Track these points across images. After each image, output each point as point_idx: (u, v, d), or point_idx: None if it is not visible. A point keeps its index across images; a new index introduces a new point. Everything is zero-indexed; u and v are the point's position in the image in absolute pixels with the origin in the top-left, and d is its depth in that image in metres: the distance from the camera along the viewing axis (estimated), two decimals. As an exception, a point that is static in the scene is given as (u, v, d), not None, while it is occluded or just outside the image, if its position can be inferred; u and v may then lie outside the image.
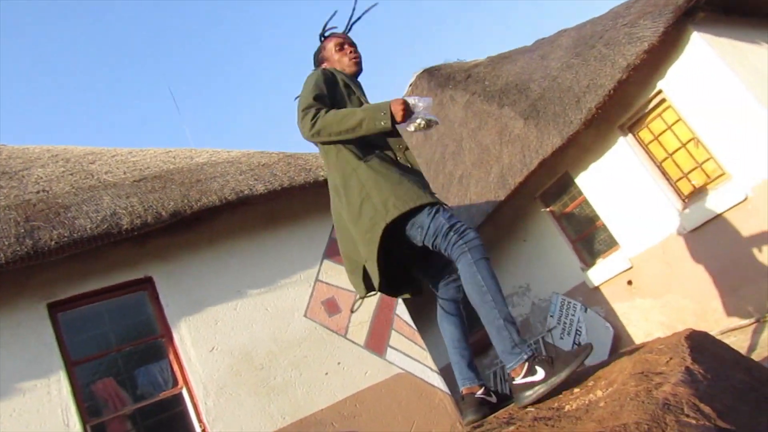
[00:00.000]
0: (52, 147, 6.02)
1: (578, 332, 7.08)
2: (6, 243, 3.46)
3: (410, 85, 10.73)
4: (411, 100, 1.95)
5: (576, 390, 2.22)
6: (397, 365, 4.58)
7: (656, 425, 1.24)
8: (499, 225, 7.64)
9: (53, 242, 3.53)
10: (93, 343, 3.76)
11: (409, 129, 2.02)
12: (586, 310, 6.99)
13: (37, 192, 4.41)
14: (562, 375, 1.85)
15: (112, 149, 5.76)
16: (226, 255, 4.37)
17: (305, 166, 4.90)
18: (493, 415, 2.04)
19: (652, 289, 6.29)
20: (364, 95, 2.24)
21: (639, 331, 6.46)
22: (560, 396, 2.25)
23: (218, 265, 4.30)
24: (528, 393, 1.86)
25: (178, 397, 3.79)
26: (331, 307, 4.58)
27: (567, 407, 1.88)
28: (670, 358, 1.92)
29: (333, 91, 2.12)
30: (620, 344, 6.58)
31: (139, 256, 4.06)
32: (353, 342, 4.52)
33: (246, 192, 4.35)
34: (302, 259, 4.68)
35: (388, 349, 4.62)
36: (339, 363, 4.37)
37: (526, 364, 1.86)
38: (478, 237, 1.94)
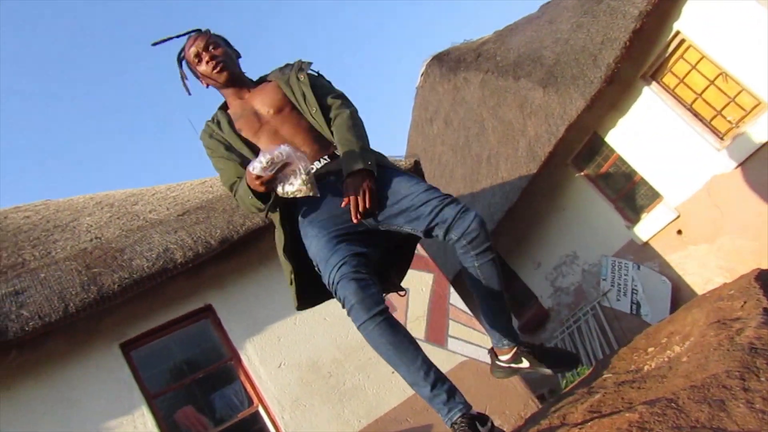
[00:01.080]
0: (94, 195, 6.24)
1: (634, 291, 6.98)
2: (73, 292, 3.62)
3: (422, 75, 10.71)
4: (265, 157, 1.55)
5: (650, 349, 2.22)
6: (460, 353, 4.61)
7: (748, 371, 1.23)
8: (535, 198, 7.58)
9: (116, 285, 3.69)
10: (167, 375, 3.91)
11: (290, 193, 1.61)
12: (639, 268, 6.88)
13: (91, 240, 4.60)
14: (542, 371, 1.92)
15: (151, 188, 5.95)
16: (277, 273, 4.44)
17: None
18: (574, 388, 2.05)
19: (704, 234, 6.15)
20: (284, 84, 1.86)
21: (698, 280, 6.32)
22: (635, 358, 2.25)
23: (271, 283, 4.40)
24: (501, 374, 1.99)
25: (256, 416, 3.91)
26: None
27: (646, 367, 1.88)
28: (745, 302, 1.90)
29: (225, 152, 1.83)
30: (680, 296, 6.45)
31: (196, 286, 4.19)
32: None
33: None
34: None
35: (449, 339, 4.66)
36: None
37: (515, 350, 1.88)
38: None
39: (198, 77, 1.91)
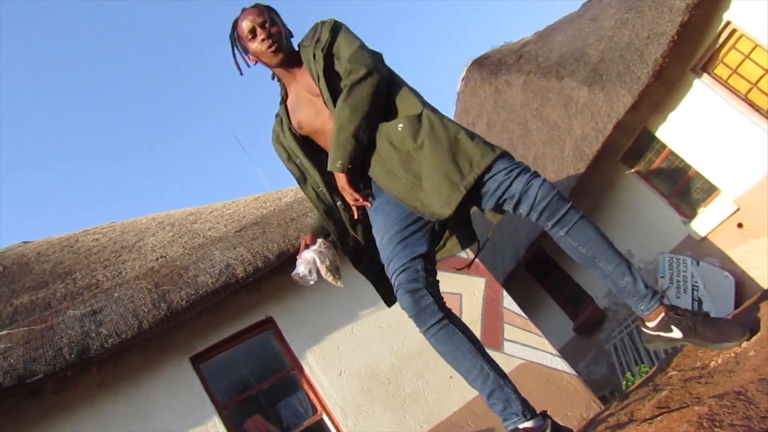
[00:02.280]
0: (155, 215, 6.57)
1: (695, 287, 6.77)
2: (145, 309, 3.85)
3: (462, 80, 10.74)
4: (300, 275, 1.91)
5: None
6: (518, 356, 4.61)
7: (818, 362, 1.24)
8: (584, 198, 7.47)
9: (183, 301, 3.89)
10: (235, 386, 4.08)
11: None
12: (698, 264, 6.67)
13: (157, 259, 4.85)
14: (701, 341, 1.64)
15: (208, 206, 6.21)
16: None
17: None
18: (638, 387, 2.05)
19: (767, 226, 5.92)
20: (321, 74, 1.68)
21: (763, 273, 6.08)
22: (700, 354, 2.23)
23: (328, 294, 4.51)
24: (655, 344, 1.70)
25: (320, 424, 4.02)
26: (441, 311, 4.69)
27: (713, 363, 1.87)
28: (813, 295, 1.87)
29: (288, 163, 1.84)
30: (745, 291, 6.22)
31: (257, 299, 4.37)
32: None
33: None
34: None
35: (505, 342, 4.66)
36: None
37: (663, 314, 1.61)
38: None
39: (246, 53, 1.80)
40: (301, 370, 4.18)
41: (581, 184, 7.09)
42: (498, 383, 1.61)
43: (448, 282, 4.97)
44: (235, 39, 1.81)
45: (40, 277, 5.38)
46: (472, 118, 10.73)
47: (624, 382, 4.80)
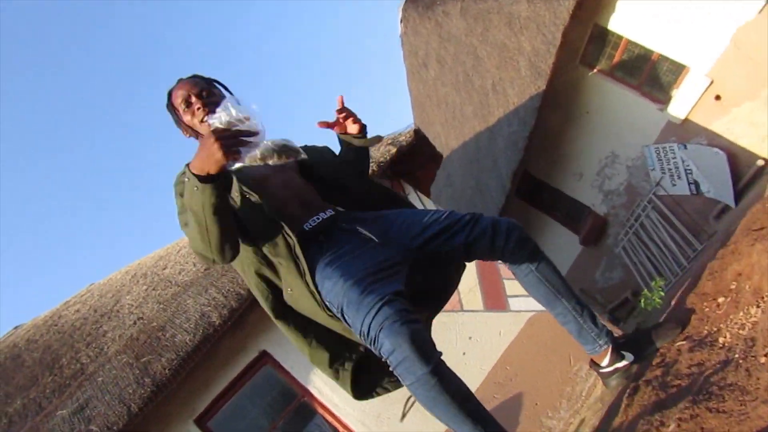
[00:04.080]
0: (128, 268, 6.28)
1: (688, 171, 6.51)
2: (130, 391, 3.62)
3: (401, 22, 10.16)
4: (222, 114, 1.31)
5: (720, 300, 1.95)
6: (525, 310, 4.40)
7: None
8: (554, 112, 7.12)
9: (167, 370, 3.66)
10: (250, 431, 3.90)
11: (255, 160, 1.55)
12: (686, 147, 6.38)
13: (134, 323, 4.60)
14: (649, 354, 1.78)
15: (175, 244, 5.91)
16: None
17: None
18: (648, 343, 1.82)
19: (744, 92, 5.59)
20: None
21: (753, 141, 5.79)
22: (707, 311, 1.98)
23: (315, 307, 4.30)
24: (616, 382, 1.76)
25: (346, 443, 3.87)
26: (436, 289, 4.45)
27: (721, 339, 1.62)
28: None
29: None
30: (738, 163, 5.95)
31: (245, 337, 4.13)
32: (473, 311, 4.39)
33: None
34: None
35: (509, 300, 4.45)
36: (470, 337, 4.27)
37: (610, 347, 1.71)
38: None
39: (180, 126, 1.65)
40: (311, 395, 3.98)
41: (546, 99, 6.72)
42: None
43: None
44: (172, 110, 1.66)
45: (31, 371, 5.16)
46: (422, 58, 10.21)
47: (642, 301, 4.61)
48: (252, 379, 4.06)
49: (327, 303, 1.48)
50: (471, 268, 4.57)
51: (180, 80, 1.66)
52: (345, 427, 3.89)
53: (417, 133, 4.85)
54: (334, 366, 1.66)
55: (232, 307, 3.91)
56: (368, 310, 1.31)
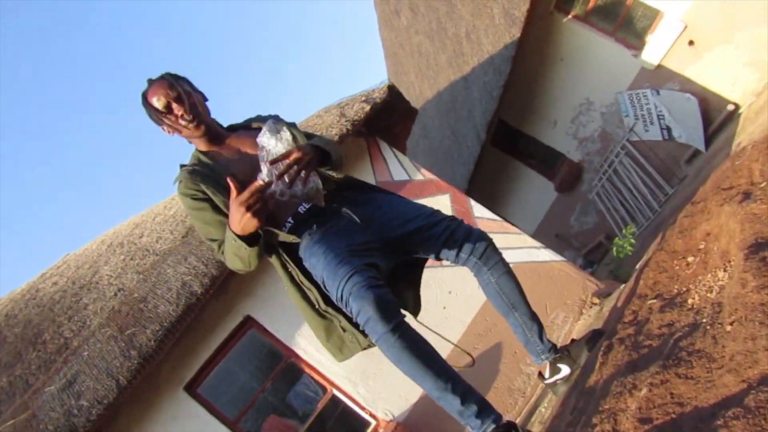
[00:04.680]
0: (104, 236, 6.19)
1: (660, 117, 6.57)
2: (117, 364, 3.65)
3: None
4: (264, 147, 1.50)
5: (690, 259, 2.02)
6: (504, 263, 4.48)
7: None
8: (529, 60, 7.04)
9: (152, 341, 3.68)
10: (240, 396, 3.99)
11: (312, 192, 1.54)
12: (658, 93, 6.41)
13: (115, 294, 4.58)
14: (581, 361, 1.94)
15: (150, 210, 5.82)
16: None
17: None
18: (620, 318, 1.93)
19: (718, 36, 5.59)
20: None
21: (724, 85, 5.84)
22: (676, 269, 2.05)
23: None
24: (562, 389, 1.97)
25: (334, 400, 3.98)
26: (415, 246, 4.50)
27: (690, 300, 1.69)
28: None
29: (210, 204, 1.67)
30: (710, 108, 6.01)
31: (228, 303, 4.16)
32: (452, 266, 4.46)
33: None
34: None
35: (488, 253, 4.52)
36: (450, 292, 4.36)
37: (548, 365, 1.92)
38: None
39: (161, 125, 1.73)
40: (297, 356, 4.06)
41: (521, 47, 6.63)
42: (468, 385, 1.49)
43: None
44: (151, 112, 1.72)
45: (14, 347, 5.14)
46: (393, 5, 9.93)
47: (614, 249, 4.72)
48: (238, 343, 4.11)
49: (316, 280, 1.62)
50: (449, 225, 4.62)
51: (153, 82, 1.71)
52: (332, 384, 3.99)
53: (391, 89, 4.77)
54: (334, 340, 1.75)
55: (213, 275, 3.91)
56: (341, 278, 1.47)
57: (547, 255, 4.52)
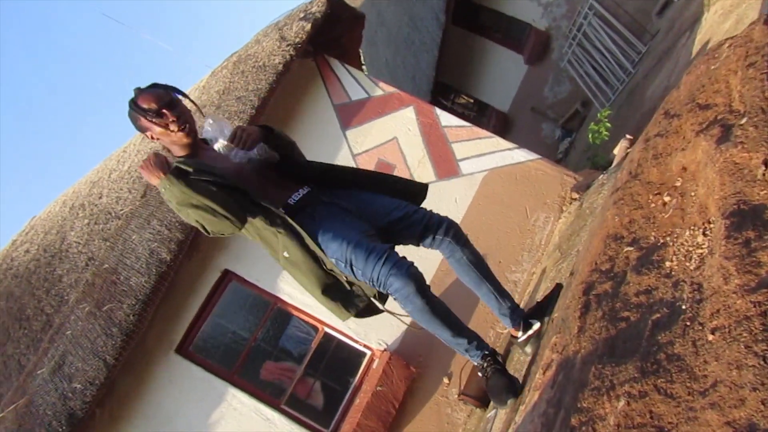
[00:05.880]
0: (65, 198, 5.93)
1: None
2: (101, 343, 3.61)
3: None
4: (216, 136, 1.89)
5: (667, 198, 1.88)
6: (478, 171, 4.33)
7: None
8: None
9: (131, 316, 3.61)
10: (232, 349, 4.02)
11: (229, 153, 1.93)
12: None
13: (86, 264, 4.45)
14: (549, 313, 2.07)
15: (104, 165, 5.51)
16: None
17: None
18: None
19: None
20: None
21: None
22: (651, 205, 1.92)
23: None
24: (530, 348, 2.08)
25: (327, 337, 4.02)
26: (385, 169, 4.30)
27: (668, 264, 1.57)
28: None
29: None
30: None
31: (203, 261, 4.06)
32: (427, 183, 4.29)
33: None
34: (326, 149, 4.33)
35: (460, 164, 4.34)
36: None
37: (521, 324, 2.08)
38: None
39: (145, 131, 1.88)
40: (283, 301, 4.04)
41: None
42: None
43: (377, 131, 4.57)
44: (141, 118, 1.83)
45: (1, 322, 5.12)
46: None
47: (589, 135, 4.54)
48: (221, 298, 4.07)
49: (333, 260, 1.83)
50: (416, 137, 4.39)
51: (143, 90, 1.83)
52: (322, 323, 4.01)
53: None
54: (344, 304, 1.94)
55: (178, 239, 3.75)
56: (376, 262, 1.76)
57: (521, 155, 4.36)
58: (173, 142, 1.86)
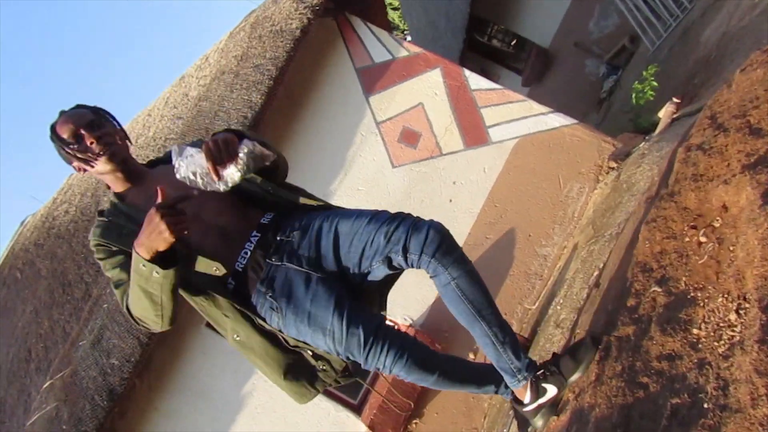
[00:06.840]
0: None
1: None
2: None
3: None
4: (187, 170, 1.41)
5: (703, 240, 1.71)
6: (509, 138, 4.09)
7: None
8: None
9: (161, 296, 3.69)
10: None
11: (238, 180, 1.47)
12: None
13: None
14: (574, 377, 1.58)
15: (130, 128, 5.50)
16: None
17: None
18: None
19: None
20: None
21: None
22: (686, 240, 1.75)
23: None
24: (541, 421, 1.58)
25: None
26: (410, 137, 4.12)
27: (700, 314, 1.43)
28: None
29: (124, 255, 1.51)
30: None
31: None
32: (453, 153, 4.11)
33: (251, 111, 3.84)
34: (349, 118, 4.15)
35: (489, 131, 4.11)
36: (455, 182, 4.08)
37: (529, 386, 1.57)
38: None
39: (70, 162, 1.55)
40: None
41: None
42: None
43: (401, 96, 4.34)
44: (59, 146, 1.53)
45: (47, 283, 5.39)
46: None
47: (633, 95, 4.18)
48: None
49: (302, 342, 1.55)
50: (443, 103, 4.15)
51: (63, 113, 1.55)
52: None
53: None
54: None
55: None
56: (378, 354, 1.46)
57: (556, 120, 4.08)
58: (99, 171, 1.55)
